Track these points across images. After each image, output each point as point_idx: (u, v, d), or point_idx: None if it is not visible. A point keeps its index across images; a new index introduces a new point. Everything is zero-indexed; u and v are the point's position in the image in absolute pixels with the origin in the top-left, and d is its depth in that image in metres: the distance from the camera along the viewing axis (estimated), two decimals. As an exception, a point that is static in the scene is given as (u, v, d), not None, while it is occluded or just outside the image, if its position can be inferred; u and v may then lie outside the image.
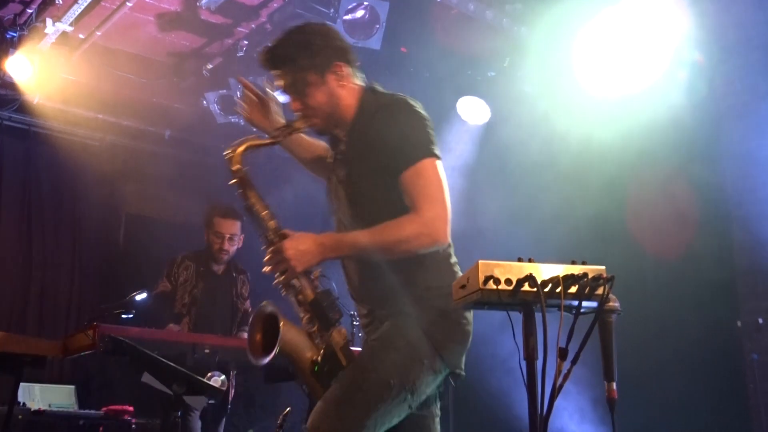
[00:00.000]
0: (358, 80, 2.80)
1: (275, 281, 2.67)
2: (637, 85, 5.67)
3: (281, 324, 2.57)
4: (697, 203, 5.60)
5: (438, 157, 2.61)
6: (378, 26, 5.63)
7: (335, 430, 2.46)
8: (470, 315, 2.66)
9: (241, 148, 2.74)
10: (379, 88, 2.82)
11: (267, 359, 2.59)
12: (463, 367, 2.67)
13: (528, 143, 6.18)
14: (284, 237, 2.61)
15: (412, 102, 2.71)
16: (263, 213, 2.72)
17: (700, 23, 5.44)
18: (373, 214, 2.60)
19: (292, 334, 2.60)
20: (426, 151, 2.59)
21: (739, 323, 5.49)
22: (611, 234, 5.80)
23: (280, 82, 2.76)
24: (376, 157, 2.62)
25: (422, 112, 2.70)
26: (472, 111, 6.59)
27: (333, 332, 2.62)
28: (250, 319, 2.71)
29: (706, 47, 5.66)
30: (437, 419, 2.77)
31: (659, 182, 5.71)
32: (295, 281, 2.64)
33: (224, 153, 2.77)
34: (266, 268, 2.64)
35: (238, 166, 2.74)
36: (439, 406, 2.79)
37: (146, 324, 4.92)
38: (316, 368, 2.61)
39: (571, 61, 5.84)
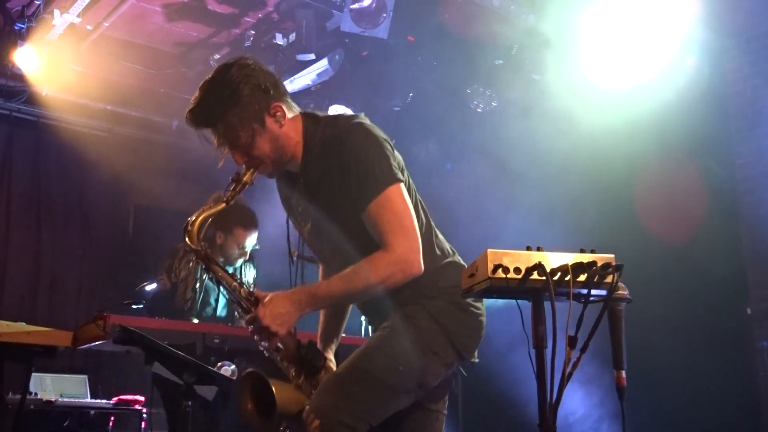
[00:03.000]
0: (293, 110, 2.65)
1: (262, 348, 2.66)
2: (645, 72, 5.65)
3: (273, 389, 2.57)
4: (707, 190, 5.58)
5: (400, 180, 2.53)
6: (385, 15, 5.61)
7: (338, 409, 2.43)
8: (482, 305, 2.65)
9: (197, 224, 2.61)
10: (320, 114, 2.71)
11: (268, 424, 2.61)
12: (476, 355, 2.66)
13: (536, 131, 6.17)
14: (257, 302, 2.55)
15: (366, 125, 2.60)
16: (232, 284, 2.66)
17: (708, 8, 5.41)
18: (357, 247, 2.56)
19: (283, 394, 2.60)
20: (387, 178, 2.50)
21: (748, 310, 5.48)
22: (620, 222, 5.79)
23: (217, 141, 2.61)
24: (341, 190, 2.54)
25: (378, 133, 2.58)
26: (478, 99, 6.56)
27: (320, 377, 2.67)
28: (236, 388, 2.71)
29: (714, 33, 5.62)
30: (444, 418, 2.76)
31: (668, 169, 5.69)
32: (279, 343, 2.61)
33: (184, 230, 2.61)
34: (255, 338, 2.61)
35: (196, 242, 2.61)
36: (446, 405, 2.78)
37: (156, 314, 4.92)
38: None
39: (579, 49, 5.82)
